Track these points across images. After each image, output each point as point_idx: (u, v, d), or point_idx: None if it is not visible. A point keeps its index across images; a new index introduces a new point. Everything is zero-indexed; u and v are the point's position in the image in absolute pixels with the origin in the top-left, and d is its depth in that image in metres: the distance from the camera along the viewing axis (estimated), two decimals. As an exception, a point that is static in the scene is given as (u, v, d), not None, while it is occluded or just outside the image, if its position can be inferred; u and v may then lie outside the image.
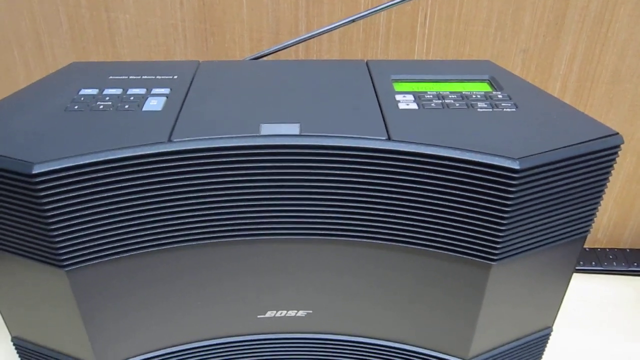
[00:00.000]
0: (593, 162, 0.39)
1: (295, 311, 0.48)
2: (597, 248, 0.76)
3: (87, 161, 0.36)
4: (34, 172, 0.35)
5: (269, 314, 0.48)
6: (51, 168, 0.35)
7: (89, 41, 0.71)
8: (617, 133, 0.40)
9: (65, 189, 0.36)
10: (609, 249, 0.76)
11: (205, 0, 0.67)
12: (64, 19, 0.70)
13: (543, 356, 0.53)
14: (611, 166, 0.40)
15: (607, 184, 0.41)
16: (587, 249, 0.76)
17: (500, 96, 0.45)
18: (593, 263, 0.74)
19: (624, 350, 0.62)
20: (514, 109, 0.43)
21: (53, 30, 0.71)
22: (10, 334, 0.50)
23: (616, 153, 0.40)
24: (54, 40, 0.72)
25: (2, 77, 0.75)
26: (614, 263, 0.74)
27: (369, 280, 0.45)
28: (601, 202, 0.42)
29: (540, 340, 0.51)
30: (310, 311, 0.48)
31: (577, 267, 0.73)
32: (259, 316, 0.48)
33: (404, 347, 0.49)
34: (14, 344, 0.51)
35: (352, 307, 0.47)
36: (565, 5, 0.63)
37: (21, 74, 0.75)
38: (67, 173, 0.36)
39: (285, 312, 0.48)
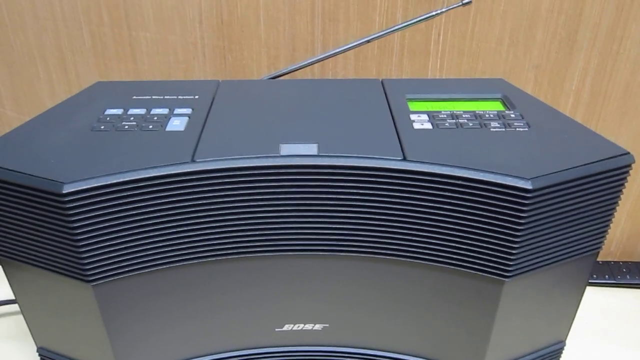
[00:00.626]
0: (604, 181, 0.40)
1: (312, 325, 0.49)
2: (611, 261, 0.76)
3: (114, 181, 0.38)
4: (64, 191, 0.37)
5: (287, 327, 0.49)
6: (80, 187, 0.37)
7: (110, 58, 0.73)
8: (628, 152, 0.41)
9: (93, 207, 0.38)
10: (622, 262, 0.76)
11: (223, 18, 0.69)
12: (86, 36, 0.72)
13: (556, 369, 0.54)
14: (622, 184, 0.41)
15: (620, 198, 0.42)
16: (601, 262, 0.76)
17: (512, 115, 0.46)
18: (606, 276, 0.74)
19: (638, 364, 0.62)
20: (526, 129, 0.44)
21: (76, 48, 0.73)
22: (36, 344, 0.52)
23: (627, 172, 0.40)
24: (76, 57, 0.74)
25: (26, 92, 0.78)
26: (628, 276, 0.74)
27: (384, 295, 0.46)
28: (614, 216, 0.43)
29: (553, 355, 0.52)
30: (327, 325, 0.49)
31: (590, 280, 0.73)
32: (276, 329, 0.49)
33: (418, 360, 0.50)
34: (39, 355, 0.52)
35: (367, 320, 0.48)
36: (577, 22, 0.64)
37: (45, 90, 0.77)
38: (95, 192, 0.37)
39: (302, 325, 0.49)
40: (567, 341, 0.52)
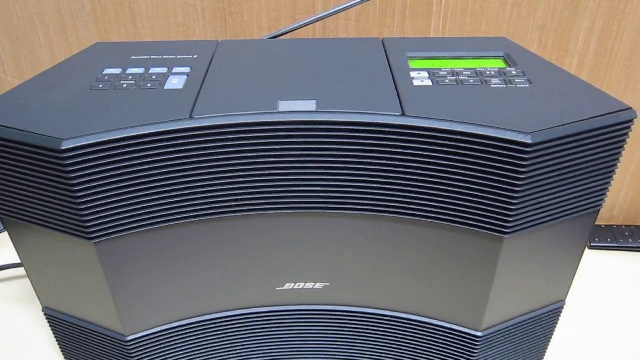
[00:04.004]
0: (606, 137, 0.39)
1: (313, 284, 0.49)
2: (614, 225, 0.76)
3: (113, 137, 0.37)
4: (63, 147, 0.37)
5: (287, 286, 0.49)
6: (79, 144, 0.37)
7: (110, 22, 0.72)
8: (630, 108, 0.40)
9: (92, 164, 0.38)
10: (625, 226, 0.76)
11: (223, -20, 0.68)
12: (86, 0, 0.71)
13: (556, 330, 0.54)
14: (624, 140, 0.41)
15: (624, 161, 0.42)
16: (603, 226, 0.76)
17: (514, 72, 0.46)
18: (609, 240, 0.74)
19: (638, 326, 0.63)
20: (527, 85, 0.44)
21: (76, 12, 0.72)
22: (41, 304, 0.53)
23: (629, 128, 0.40)
24: (76, 22, 0.73)
25: (27, 57, 0.77)
26: (630, 240, 0.74)
27: (384, 253, 0.46)
28: (617, 178, 0.42)
29: (553, 314, 0.52)
30: (327, 284, 0.49)
31: (593, 244, 0.74)
32: (277, 288, 0.50)
33: (418, 319, 0.50)
34: (44, 314, 0.53)
35: (367, 279, 0.49)
36: (584, -19, 0.63)
37: (45, 54, 0.77)
38: (94, 149, 0.37)
39: (302, 284, 0.49)
40: (569, 303, 0.52)
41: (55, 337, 0.54)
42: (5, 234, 0.76)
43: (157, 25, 0.72)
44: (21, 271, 0.69)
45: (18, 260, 0.63)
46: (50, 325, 0.54)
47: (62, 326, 0.53)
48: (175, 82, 0.45)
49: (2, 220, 0.46)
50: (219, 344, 0.53)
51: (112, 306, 0.47)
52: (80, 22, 0.73)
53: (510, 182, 0.38)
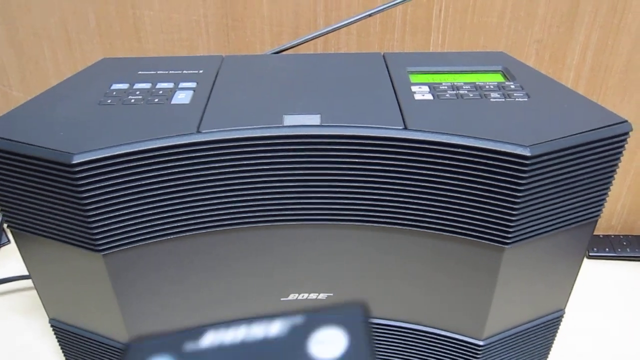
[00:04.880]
0: (602, 149, 0.40)
1: (317, 294, 0.50)
2: (611, 234, 0.77)
3: (122, 151, 0.38)
4: (74, 162, 0.38)
5: (291, 296, 0.50)
6: (89, 158, 0.38)
7: (115, 37, 0.74)
8: (626, 121, 0.41)
9: (102, 177, 0.39)
10: (622, 235, 0.77)
11: (226, -5, 0.69)
12: (91, 16, 0.72)
13: (556, 338, 0.55)
14: (620, 152, 0.42)
15: (621, 171, 0.42)
16: (601, 236, 0.77)
17: (512, 86, 0.47)
18: (607, 249, 0.75)
19: (637, 334, 0.63)
20: (526, 99, 0.45)
21: (81, 27, 0.73)
22: (48, 315, 0.53)
23: (625, 140, 0.41)
24: (81, 37, 0.74)
25: (32, 71, 0.78)
26: (628, 249, 0.75)
27: (386, 263, 0.47)
28: (614, 189, 0.43)
29: (553, 323, 0.53)
30: (331, 294, 0.50)
31: (591, 254, 0.74)
32: (281, 298, 0.50)
33: (420, 328, 0.51)
34: (51, 325, 0.53)
35: (369, 289, 0.49)
36: (579, -4, 0.64)
37: (50, 69, 0.78)
38: (104, 163, 0.38)
39: (306, 294, 0.50)
40: (568, 312, 0.53)
41: (61, 348, 0.55)
42: (10, 246, 0.77)
43: (161, 40, 0.73)
44: (26, 283, 0.70)
45: (23, 272, 0.64)
46: (57, 337, 0.54)
47: (69, 337, 0.53)
48: (182, 97, 0.46)
49: (11, 233, 0.46)
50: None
51: (119, 317, 0.47)
52: (85, 37, 0.74)
53: (510, 194, 0.39)
